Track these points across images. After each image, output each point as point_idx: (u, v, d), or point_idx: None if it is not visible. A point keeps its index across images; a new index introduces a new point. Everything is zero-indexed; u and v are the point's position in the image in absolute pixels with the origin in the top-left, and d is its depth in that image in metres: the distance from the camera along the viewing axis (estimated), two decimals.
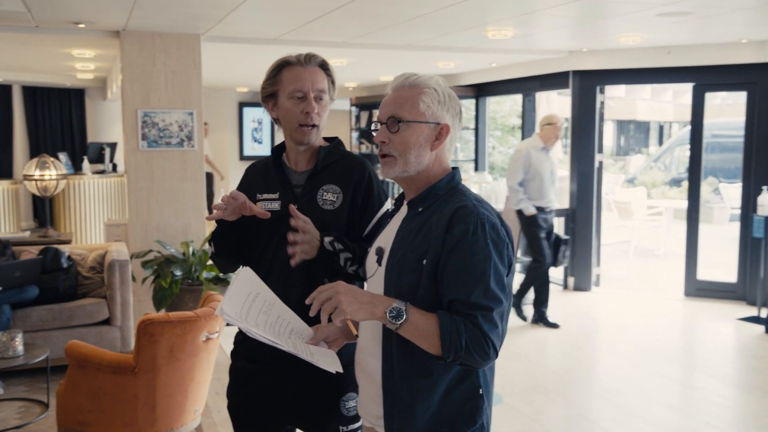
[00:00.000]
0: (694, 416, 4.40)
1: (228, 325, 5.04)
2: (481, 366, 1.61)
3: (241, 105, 12.81)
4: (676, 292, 7.51)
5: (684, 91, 21.09)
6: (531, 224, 6.27)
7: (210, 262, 5.56)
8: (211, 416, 4.22)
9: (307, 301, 1.58)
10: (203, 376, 3.70)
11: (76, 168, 9.96)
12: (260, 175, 2.12)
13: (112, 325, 5.04)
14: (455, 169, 1.77)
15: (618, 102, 19.30)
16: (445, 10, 4.93)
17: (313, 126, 2.01)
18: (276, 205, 2.02)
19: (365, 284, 1.87)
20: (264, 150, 12.89)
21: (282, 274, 1.99)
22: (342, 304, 1.55)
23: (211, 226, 2.25)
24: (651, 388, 4.84)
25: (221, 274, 5.52)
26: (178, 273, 5.20)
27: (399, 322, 1.55)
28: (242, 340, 2.11)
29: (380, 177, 1.86)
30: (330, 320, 1.61)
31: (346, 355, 1.95)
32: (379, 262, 1.75)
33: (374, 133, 1.76)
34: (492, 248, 1.60)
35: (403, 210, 1.78)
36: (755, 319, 6.40)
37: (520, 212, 6.26)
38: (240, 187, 2.15)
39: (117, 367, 3.50)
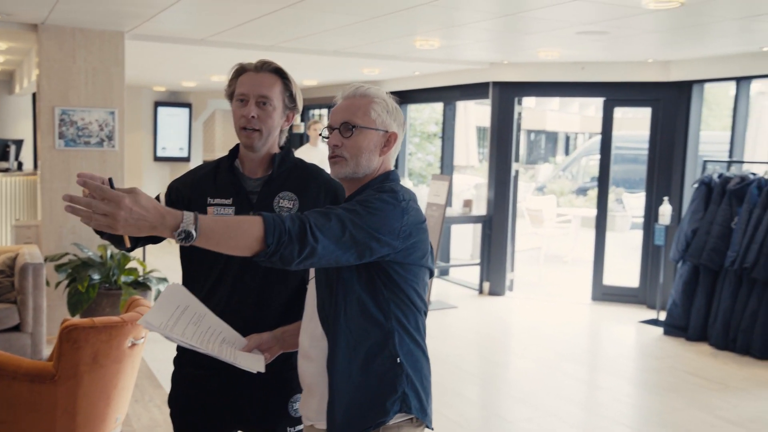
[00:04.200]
0: (602, 414, 4.65)
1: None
2: (295, 260, 1.56)
3: (157, 104, 12.48)
4: (584, 296, 7.89)
5: (588, 103, 22.10)
6: None
7: (129, 265, 5.42)
8: (131, 425, 4.13)
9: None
10: (127, 383, 3.62)
11: None
12: (209, 178, 2.09)
13: (22, 331, 4.82)
14: (394, 170, 1.90)
15: (529, 112, 20.03)
16: (377, 19, 5.02)
17: (254, 130, 2.00)
18: (230, 211, 2.02)
19: (308, 286, 1.92)
20: (176, 152, 12.61)
21: (236, 280, 2.00)
22: (118, 224, 1.40)
23: None
24: (562, 389, 5.08)
25: (140, 278, 5.40)
26: (96, 277, 5.05)
27: (190, 242, 1.47)
28: None
29: (332, 175, 1.92)
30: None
31: (295, 358, 2.00)
32: None
33: (325, 139, 1.85)
34: (388, 207, 1.70)
35: None
36: (654, 322, 6.81)
37: None
38: (182, 186, 2.12)
39: (35, 375, 3.37)
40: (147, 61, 7.78)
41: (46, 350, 4.79)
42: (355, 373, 1.74)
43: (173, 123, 12.65)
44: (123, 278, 5.29)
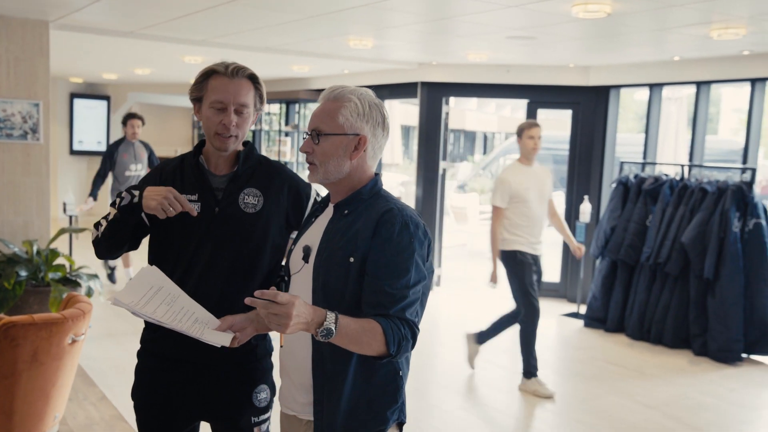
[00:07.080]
0: (531, 401, 4.88)
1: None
2: (410, 351, 1.81)
3: (73, 96, 12.03)
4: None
5: (504, 104, 22.77)
6: None
7: (57, 261, 5.26)
8: (67, 423, 4.04)
9: (254, 296, 1.61)
10: (66, 380, 3.54)
11: None
12: (175, 176, 2.11)
13: None
14: (377, 175, 1.92)
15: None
16: (313, 19, 5.06)
17: (231, 137, 2.04)
18: (196, 207, 2.05)
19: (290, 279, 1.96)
20: (94, 146, 12.21)
21: (202, 274, 2.03)
22: (287, 328, 1.59)
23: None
24: (492, 378, 5.29)
25: (69, 275, 5.24)
26: (23, 273, 4.88)
27: (329, 339, 1.65)
28: (151, 338, 2.12)
29: (307, 182, 1.98)
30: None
31: (262, 348, 2.05)
32: (305, 259, 1.86)
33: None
34: (416, 246, 1.79)
35: (329, 211, 1.91)
36: (575, 315, 7.15)
37: None
38: (151, 182, 2.11)
39: None
40: (68, 51, 7.52)
41: None
42: (359, 382, 1.80)
43: (90, 116, 12.22)
44: (51, 275, 5.13)
